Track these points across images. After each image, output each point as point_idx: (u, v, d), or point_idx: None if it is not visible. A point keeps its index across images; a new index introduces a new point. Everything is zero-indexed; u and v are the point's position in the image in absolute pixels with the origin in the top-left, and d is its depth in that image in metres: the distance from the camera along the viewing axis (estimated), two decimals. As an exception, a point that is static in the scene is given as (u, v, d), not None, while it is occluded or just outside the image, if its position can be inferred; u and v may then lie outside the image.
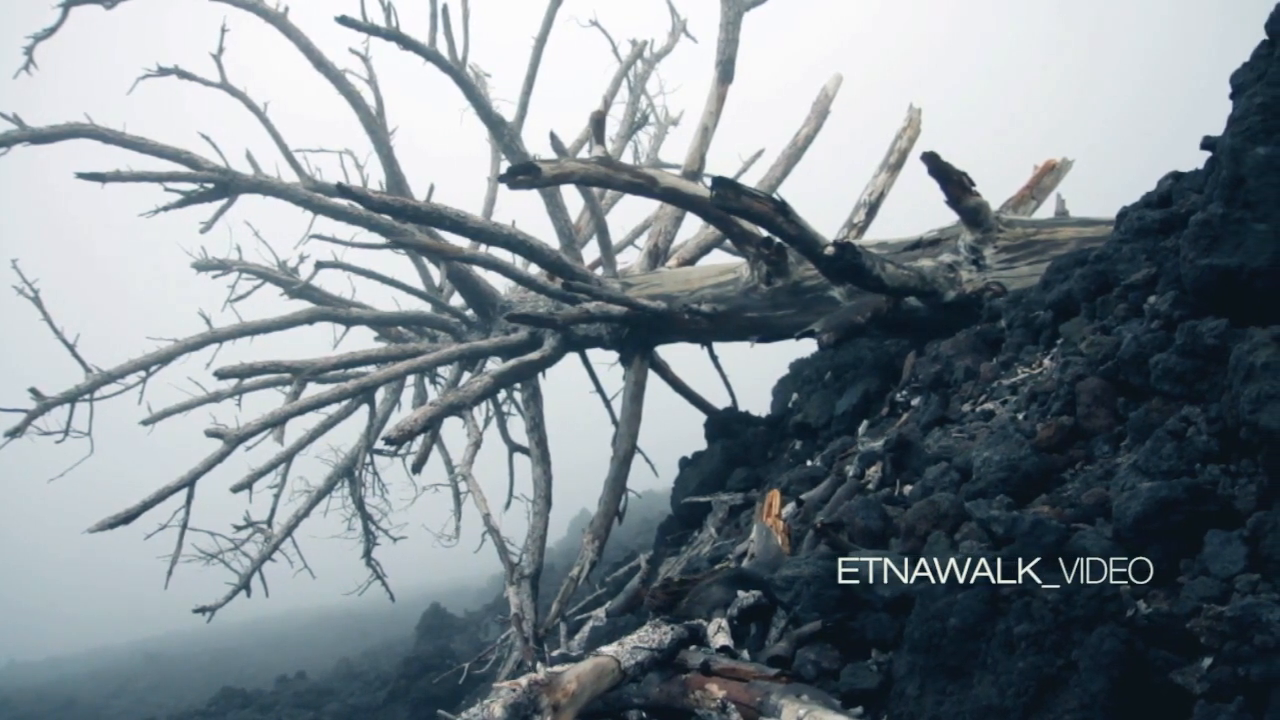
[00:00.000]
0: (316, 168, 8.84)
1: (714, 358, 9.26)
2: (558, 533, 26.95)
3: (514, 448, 10.26)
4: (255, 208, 9.11)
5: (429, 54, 7.65)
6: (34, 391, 7.79)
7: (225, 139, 8.63)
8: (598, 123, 6.49)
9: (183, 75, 8.24)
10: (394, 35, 7.42)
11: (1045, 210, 6.76)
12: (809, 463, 5.55)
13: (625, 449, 8.07)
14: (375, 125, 8.51)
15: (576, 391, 9.60)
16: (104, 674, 28.16)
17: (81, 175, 7.60)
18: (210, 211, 8.67)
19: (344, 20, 7.10)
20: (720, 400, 9.52)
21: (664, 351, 9.36)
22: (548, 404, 9.60)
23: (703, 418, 9.24)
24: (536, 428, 9.06)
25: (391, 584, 11.10)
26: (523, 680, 2.27)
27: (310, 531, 10.23)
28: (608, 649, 2.58)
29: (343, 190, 6.56)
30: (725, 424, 8.48)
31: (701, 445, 8.75)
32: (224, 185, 8.13)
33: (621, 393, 8.40)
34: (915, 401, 5.13)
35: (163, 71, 8.12)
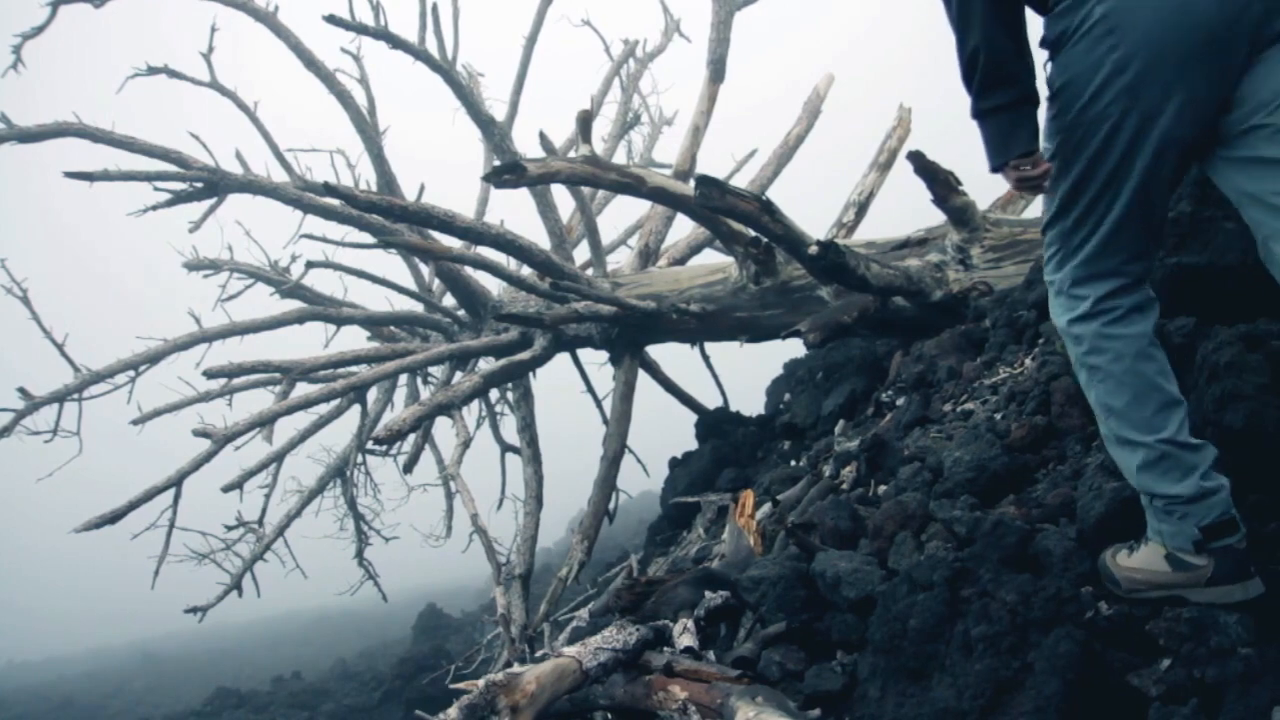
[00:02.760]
0: (307, 167, 8.87)
1: (705, 357, 9.26)
2: (556, 533, 27.00)
3: (506, 448, 10.26)
4: (248, 207, 9.13)
5: (418, 53, 7.64)
6: (22, 391, 7.79)
7: (220, 139, 8.65)
8: (584, 121, 6.47)
9: (172, 74, 8.23)
10: (383, 34, 7.41)
11: (1035, 210, 6.74)
12: (794, 463, 5.53)
13: (615, 449, 8.06)
14: (366, 125, 8.50)
15: (576, 394, 9.62)
16: (102, 674, 28.21)
17: (69, 174, 7.59)
18: (200, 211, 8.66)
19: (332, 19, 7.08)
20: (715, 401, 9.52)
21: (656, 351, 9.36)
22: (547, 407, 9.57)
23: (695, 418, 9.22)
24: (528, 427, 9.05)
25: (391, 585, 11.10)
26: (480, 681, 2.25)
27: (306, 532, 10.25)
28: (570, 649, 2.56)
29: (330, 189, 6.54)
30: (715, 424, 8.46)
31: (694, 446, 8.73)
32: (213, 185, 8.12)
33: (612, 393, 8.40)
34: (900, 401, 5.11)
35: (152, 70, 8.10)
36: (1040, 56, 2.00)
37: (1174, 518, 1.92)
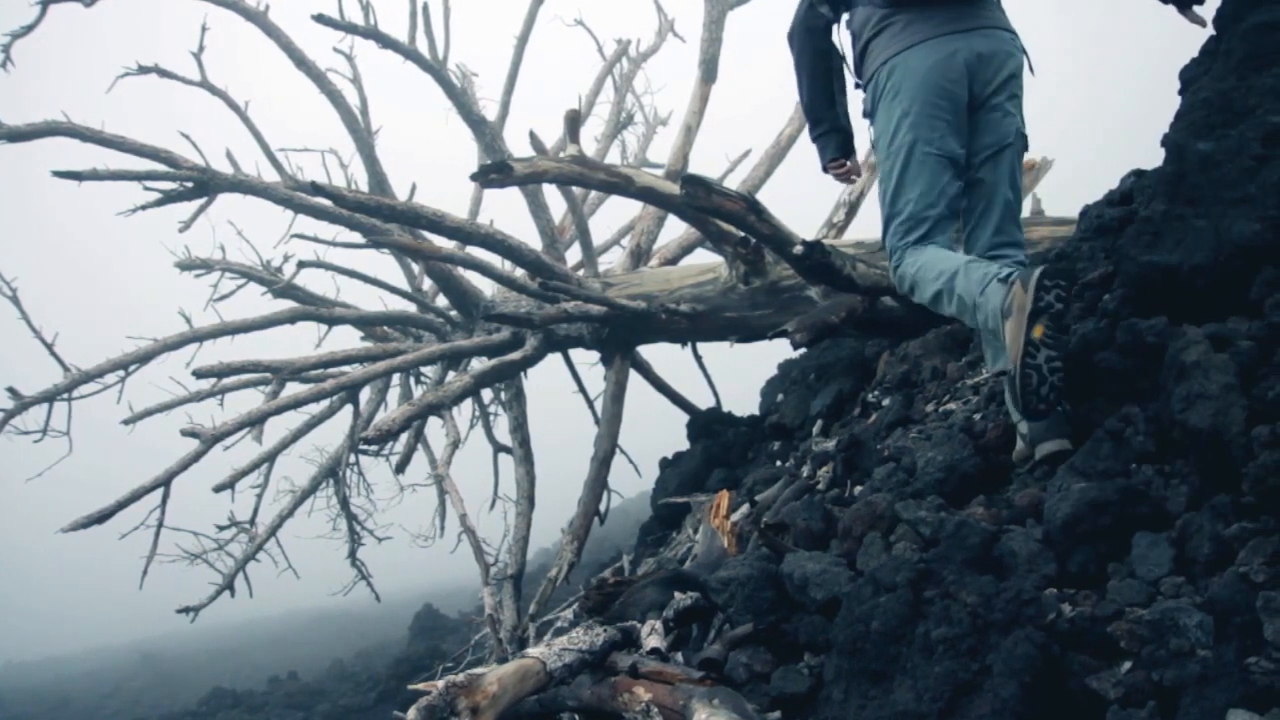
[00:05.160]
0: (298, 167, 8.84)
1: (698, 358, 9.24)
2: (555, 534, 26.96)
3: (498, 448, 10.24)
4: (240, 207, 9.12)
5: (408, 53, 7.64)
6: (12, 390, 7.78)
7: (215, 138, 8.64)
8: (572, 121, 6.45)
9: (163, 74, 8.23)
10: (372, 34, 7.41)
11: (1024, 211, 6.71)
12: (779, 463, 5.51)
13: (605, 449, 8.04)
14: (357, 125, 8.49)
15: (573, 396, 9.61)
16: (100, 674, 28.22)
17: (57, 174, 7.57)
18: (190, 211, 8.65)
19: (321, 19, 7.08)
20: (709, 402, 9.49)
21: (649, 352, 9.34)
22: (547, 410, 9.53)
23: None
24: (520, 428, 9.04)
25: (392, 585, 11.08)
26: (439, 682, 2.24)
27: (299, 532, 10.24)
28: (534, 650, 2.54)
29: (317, 189, 6.53)
30: (707, 425, 8.44)
31: (688, 447, 8.69)
32: (203, 184, 8.11)
33: (603, 393, 8.38)
34: (886, 401, 5.09)
35: (142, 70, 8.10)
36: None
37: (986, 303, 2.60)
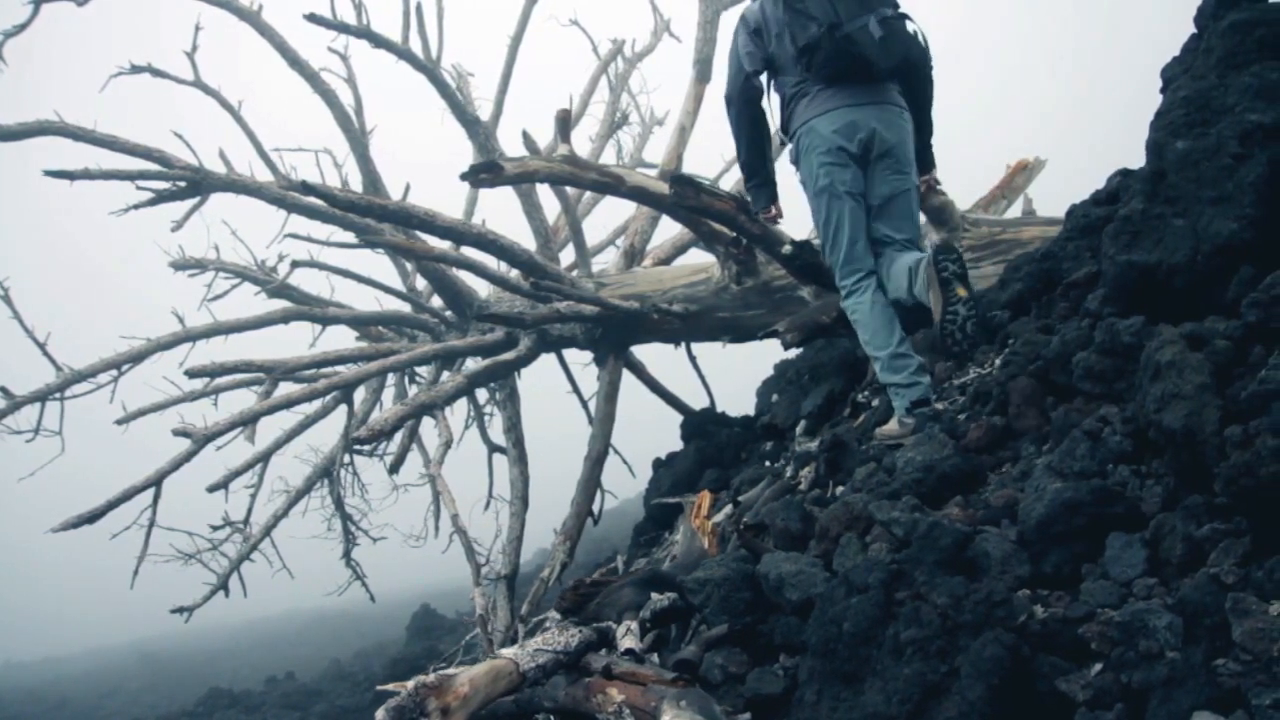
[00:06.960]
0: (292, 166, 8.87)
1: (692, 358, 9.21)
2: (551, 535, 26.91)
3: (493, 448, 10.22)
4: (236, 207, 9.10)
5: (401, 52, 7.62)
6: (4, 390, 7.77)
7: (214, 138, 8.62)
8: (563, 121, 6.44)
9: (156, 73, 8.22)
10: (365, 33, 7.39)
11: (1015, 210, 6.70)
12: (768, 464, 5.49)
13: (599, 449, 8.04)
14: (351, 124, 8.48)
15: (569, 398, 9.59)
16: (98, 674, 28.22)
17: (49, 173, 7.57)
18: (183, 210, 8.63)
19: (313, 18, 7.07)
20: (703, 403, 9.46)
21: (643, 352, 9.31)
22: (546, 410, 9.48)
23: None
24: (514, 427, 9.02)
25: (392, 585, 11.06)
26: (409, 683, 2.22)
27: (294, 532, 10.22)
28: (507, 651, 2.52)
29: (309, 189, 6.52)
30: (700, 425, 8.40)
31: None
32: (196, 184, 8.10)
33: (597, 393, 8.37)
34: (875, 402, 5.07)
35: (135, 69, 8.09)
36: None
37: (900, 398, 3.59)
